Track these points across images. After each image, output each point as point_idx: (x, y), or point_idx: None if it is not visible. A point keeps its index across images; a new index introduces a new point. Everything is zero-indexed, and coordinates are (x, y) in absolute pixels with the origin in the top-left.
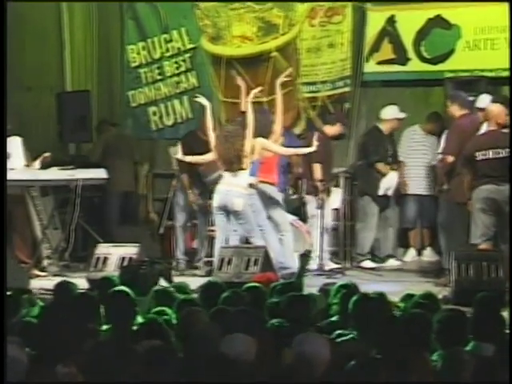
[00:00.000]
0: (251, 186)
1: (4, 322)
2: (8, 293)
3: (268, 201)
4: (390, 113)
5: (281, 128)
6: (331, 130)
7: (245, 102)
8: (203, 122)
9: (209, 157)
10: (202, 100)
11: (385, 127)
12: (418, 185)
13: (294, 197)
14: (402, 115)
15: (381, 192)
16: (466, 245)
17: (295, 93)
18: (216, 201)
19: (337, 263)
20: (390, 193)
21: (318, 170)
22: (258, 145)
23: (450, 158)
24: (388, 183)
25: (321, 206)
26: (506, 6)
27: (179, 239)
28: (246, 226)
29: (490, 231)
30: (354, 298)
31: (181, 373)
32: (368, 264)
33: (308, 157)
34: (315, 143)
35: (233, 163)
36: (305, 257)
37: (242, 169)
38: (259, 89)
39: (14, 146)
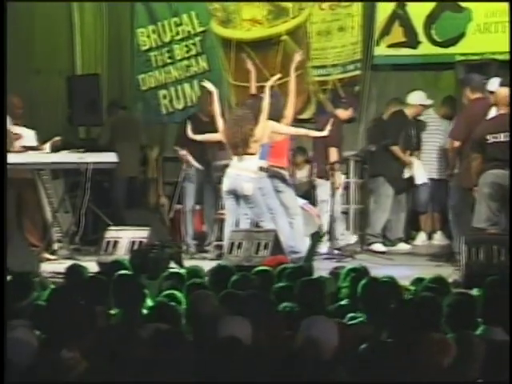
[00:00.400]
0: (261, 169)
1: (4, 322)
2: (19, 276)
3: (278, 184)
4: (417, 98)
5: (292, 112)
6: (344, 114)
7: (255, 86)
8: (210, 107)
9: (218, 136)
10: (209, 85)
11: (409, 112)
12: (430, 169)
13: (304, 180)
14: (429, 102)
15: (405, 176)
16: (475, 229)
17: (305, 76)
18: (226, 185)
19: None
20: (417, 181)
21: (334, 153)
22: (268, 128)
23: (456, 143)
24: (414, 171)
25: (333, 190)
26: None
27: (188, 223)
28: (256, 210)
29: (494, 216)
30: (364, 281)
31: (189, 356)
32: (378, 247)
33: (321, 140)
34: (329, 127)
35: (242, 147)
36: (315, 237)
37: (252, 153)
38: (278, 76)
39: (25, 129)
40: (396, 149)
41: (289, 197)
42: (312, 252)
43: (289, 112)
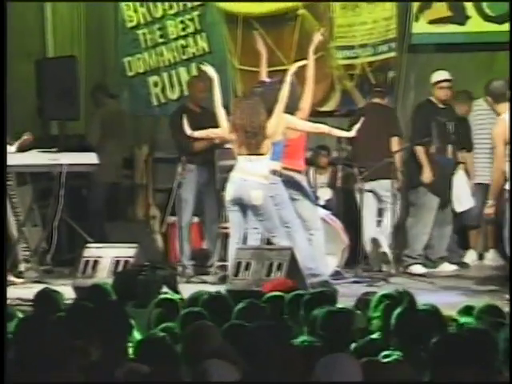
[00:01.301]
0: (274, 173)
1: (4, 322)
2: None
3: (294, 192)
4: (441, 75)
5: (310, 104)
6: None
7: (265, 71)
8: (201, 94)
9: (220, 131)
10: (209, 70)
11: (438, 97)
12: (484, 172)
13: (327, 186)
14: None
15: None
16: None
17: (328, 59)
18: (230, 192)
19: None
20: (456, 207)
21: (395, 143)
22: (283, 123)
23: None
24: (454, 191)
25: (361, 197)
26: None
27: (185, 239)
28: (267, 224)
29: None
30: (399, 310)
31: None
32: (417, 269)
33: (373, 130)
34: (358, 126)
35: (250, 146)
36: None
37: (262, 153)
38: (303, 62)
39: None
40: (419, 150)
41: (307, 207)
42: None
43: (305, 104)
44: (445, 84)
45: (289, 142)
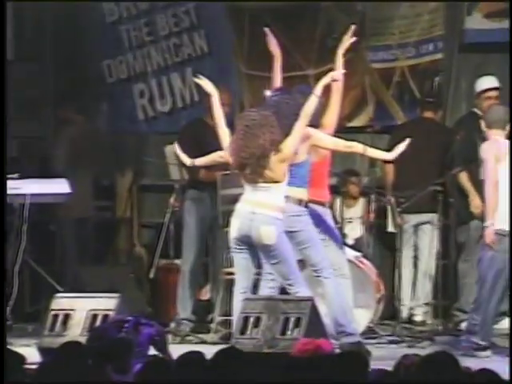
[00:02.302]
0: (300, 202)
1: (4, 322)
2: None
3: (318, 228)
4: (487, 83)
5: (336, 119)
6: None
7: (280, 76)
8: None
9: (222, 156)
10: (206, 85)
11: (483, 107)
12: None
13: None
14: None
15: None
16: None
17: (358, 63)
18: (234, 229)
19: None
20: None
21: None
22: (307, 140)
23: None
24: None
25: (399, 235)
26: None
27: (185, 287)
28: (282, 268)
29: None
30: (447, 377)
31: None
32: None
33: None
34: (402, 147)
35: (257, 170)
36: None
37: (275, 180)
38: (340, 72)
39: None
40: (463, 177)
41: (332, 248)
42: None
43: (330, 119)
44: (493, 93)
45: (313, 167)
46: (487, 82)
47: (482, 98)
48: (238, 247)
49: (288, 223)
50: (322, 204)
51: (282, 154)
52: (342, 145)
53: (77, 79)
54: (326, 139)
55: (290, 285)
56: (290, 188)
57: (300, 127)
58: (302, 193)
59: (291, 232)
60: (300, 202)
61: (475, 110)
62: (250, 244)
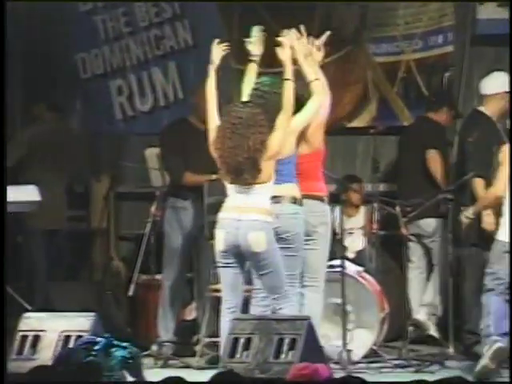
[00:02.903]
0: (295, 201)
1: (4, 321)
2: None
3: (314, 228)
4: (498, 84)
5: (326, 117)
6: (440, 118)
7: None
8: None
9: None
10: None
11: (491, 109)
12: None
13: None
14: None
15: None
16: None
17: (359, 56)
18: (219, 240)
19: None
20: None
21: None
22: (291, 133)
23: None
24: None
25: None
26: None
27: (168, 306)
28: (271, 280)
29: None
30: None
31: None
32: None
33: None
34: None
35: (244, 172)
36: None
37: (260, 181)
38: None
39: None
40: (478, 183)
41: (319, 255)
42: None
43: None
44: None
45: (300, 159)
46: (497, 84)
47: (489, 99)
48: (225, 261)
49: (282, 225)
50: (320, 199)
51: (270, 151)
52: (314, 102)
53: (48, 74)
54: (299, 117)
55: (275, 299)
56: (280, 186)
57: (284, 120)
58: (293, 189)
59: (284, 237)
60: (295, 200)
61: (482, 109)
62: (238, 256)
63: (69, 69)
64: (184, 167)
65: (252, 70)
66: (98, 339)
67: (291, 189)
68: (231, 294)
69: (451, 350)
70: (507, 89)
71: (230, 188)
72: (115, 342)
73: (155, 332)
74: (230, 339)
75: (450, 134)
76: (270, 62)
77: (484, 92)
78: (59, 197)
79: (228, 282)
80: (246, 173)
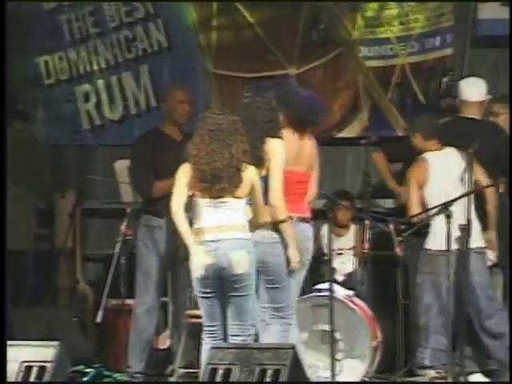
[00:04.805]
0: (290, 217)
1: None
2: None
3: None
4: (478, 91)
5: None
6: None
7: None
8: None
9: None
10: None
11: (473, 115)
12: None
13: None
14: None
15: None
16: None
17: (350, 59)
18: (195, 263)
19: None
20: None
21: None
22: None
23: None
24: None
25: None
26: None
27: (139, 334)
28: (243, 305)
29: None
30: None
31: None
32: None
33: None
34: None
35: (223, 178)
36: None
37: (237, 195)
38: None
39: None
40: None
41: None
42: None
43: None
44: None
45: (287, 175)
46: (481, 92)
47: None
48: (203, 291)
49: (263, 254)
50: (304, 220)
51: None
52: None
53: (6, 79)
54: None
55: (242, 325)
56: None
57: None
58: (278, 208)
59: (266, 266)
60: (290, 217)
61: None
62: (216, 278)
63: (30, 73)
64: (154, 181)
65: None
66: (68, 369)
67: (278, 208)
68: (210, 319)
69: (450, 379)
70: (487, 97)
71: (203, 204)
72: (85, 372)
73: (126, 362)
74: (208, 370)
75: None
76: (259, 67)
77: (466, 98)
78: (28, 215)
79: (206, 306)
80: (226, 181)
